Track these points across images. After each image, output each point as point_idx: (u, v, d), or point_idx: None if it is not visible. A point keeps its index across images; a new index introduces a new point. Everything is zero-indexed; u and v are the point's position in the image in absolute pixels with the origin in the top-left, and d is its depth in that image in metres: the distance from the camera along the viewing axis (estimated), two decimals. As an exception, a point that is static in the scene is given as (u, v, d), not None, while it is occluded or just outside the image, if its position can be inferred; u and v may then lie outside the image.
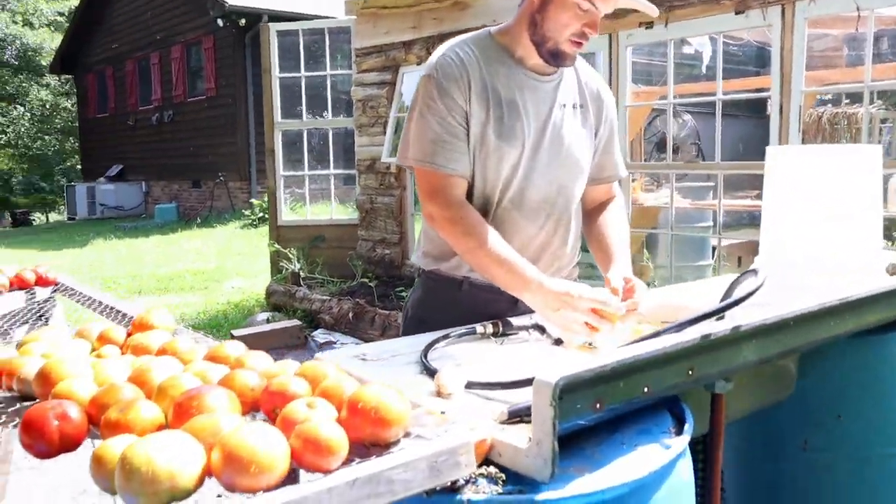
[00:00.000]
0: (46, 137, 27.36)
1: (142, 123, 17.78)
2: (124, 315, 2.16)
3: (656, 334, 1.31)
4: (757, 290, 1.36)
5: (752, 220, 6.00)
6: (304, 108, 6.98)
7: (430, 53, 6.03)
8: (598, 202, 2.03)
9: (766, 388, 1.71)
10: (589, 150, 1.92)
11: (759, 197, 7.91)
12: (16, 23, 24.91)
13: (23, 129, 26.66)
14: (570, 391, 1.11)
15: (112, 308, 2.43)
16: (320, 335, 5.66)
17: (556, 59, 1.76)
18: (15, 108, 26.64)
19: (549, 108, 1.83)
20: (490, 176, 1.80)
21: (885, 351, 1.90)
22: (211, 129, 15.32)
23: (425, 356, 1.54)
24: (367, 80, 6.37)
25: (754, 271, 1.48)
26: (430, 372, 1.45)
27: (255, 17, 13.25)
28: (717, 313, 1.36)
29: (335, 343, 5.51)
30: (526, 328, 1.80)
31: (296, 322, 5.65)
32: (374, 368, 1.54)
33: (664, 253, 5.39)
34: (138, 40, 17.66)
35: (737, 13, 4.12)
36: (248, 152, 14.45)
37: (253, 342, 5.44)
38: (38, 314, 2.84)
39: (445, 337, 1.67)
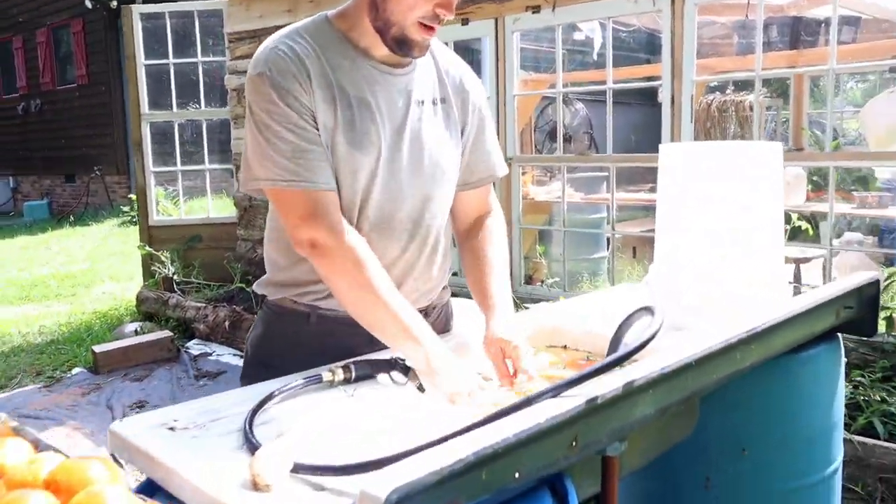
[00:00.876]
0: None
1: (7, 113, 16.43)
2: None
3: (526, 402, 1.02)
4: (653, 337, 1.09)
5: (646, 210, 5.92)
6: (174, 97, 6.44)
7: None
8: (472, 218, 1.71)
9: (666, 433, 1.47)
10: (455, 152, 1.61)
11: (653, 190, 7.90)
12: None
13: None
14: (410, 500, 0.82)
15: None
16: (194, 346, 5.21)
17: (403, 48, 1.44)
18: None
19: (404, 106, 1.51)
20: (344, 191, 1.47)
21: (790, 374, 1.70)
22: (84, 118, 14.30)
23: (250, 423, 1.21)
24: (242, 68, 5.89)
25: (648, 309, 1.22)
26: (253, 447, 1.13)
27: None
28: (608, 368, 1.08)
29: (211, 354, 5.08)
30: (385, 368, 1.49)
31: (167, 333, 5.17)
32: (184, 443, 1.20)
33: (557, 248, 5.21)
34: (-1, 23, 16.32)
35: (625, -2, 3.93)
36: (125, 144, 13.53)
37: (119, 357, 4.96)
38: None
39: (280, 391, 1.34)
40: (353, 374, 1.44)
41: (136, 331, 5.43)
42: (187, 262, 6.22)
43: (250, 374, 1.62)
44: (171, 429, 1.25)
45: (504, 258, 1.66)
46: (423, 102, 1.55)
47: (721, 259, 1.78)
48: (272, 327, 1.64)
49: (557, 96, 4.41)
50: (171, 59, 6.39)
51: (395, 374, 1.49)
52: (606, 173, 5.18)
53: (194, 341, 5.32)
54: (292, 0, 5.56)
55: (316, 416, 1.26)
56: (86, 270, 8.61)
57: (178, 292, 5.91)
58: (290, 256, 1.53)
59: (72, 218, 13.28)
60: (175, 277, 6.03)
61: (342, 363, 1.45)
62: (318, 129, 1.42)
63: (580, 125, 6.14)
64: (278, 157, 1.39)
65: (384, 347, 1.50)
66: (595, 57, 7.10)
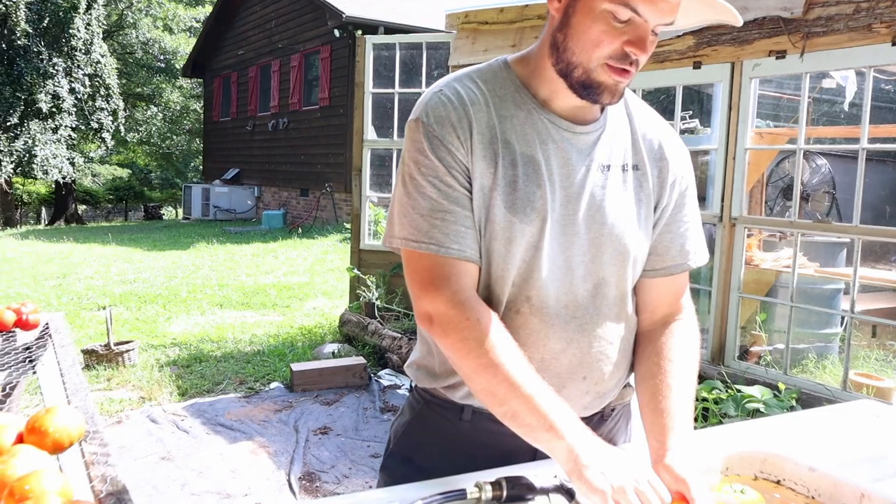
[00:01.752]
0: (175, 137, 28.64)
1: (259, 129, 18.09)
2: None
3: None
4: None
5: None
6: (395, 126, 6.59)
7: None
8: (657, 317, 1.38)
9: None
10: (644, 230, 1.32)
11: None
12: (157, 28, 26.13)
13: (154, 129, 27.98)
14: None
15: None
16: (386, 377, 5.22)
17: (590, 93, 1.20)
18: (149, 107, 27.98)
19: (584, 169, 1.26)
20: (496, 264, 1.25)
21: None
22: (322, 138, 15.33)
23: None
24: (462, 101, 5.90)
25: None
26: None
27: (372, 29, 13.12)
28: None
29: (400, 387, 5.05)
30: (545, 491, 1.24)
31: (360, 360, 5.22)
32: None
33: (781, 320, 4.62)
34: (262, 48, 18.01)
35: (894, 44, 3.38)
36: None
37: (314, 378, 5.08)
38: (22, 360, 2.49)
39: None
40: (504, 494, 1.20)
41: (333, 353, 5.55)
42: (391, 289, 6.30)
43: (390, 467, 1.43)
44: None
45: (691, 374, 1.32)
46: (609, 167, 1.29)
47: None
48: (420, 418, 1.43)
49: (798, 152, 3.89)
50: (397, 89, 6.55)
51: (556, 498, 1.23)
52: (848, 241, 4.53)
53: (386, 371, 5.33)
54: (518, 34, 5.47)
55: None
56: (303, 283, 9.08)
57: (379, 319, 5.98)
58: None
59: (300, 230, 14.22)
60: (378, 303, 6.12)
61: (493, 478, 1.22)
62: (469, 189, 1.22)
63: (821, 183, 5.45)
64: (415, 214, 1.22)
65: (549, 457, 1.25)
66: (846, 107, 6.33)
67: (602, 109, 1.31)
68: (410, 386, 1.49)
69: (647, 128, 1.35)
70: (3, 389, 2.48)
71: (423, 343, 1.42)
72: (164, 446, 4.04)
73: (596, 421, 1.41)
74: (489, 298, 1.27)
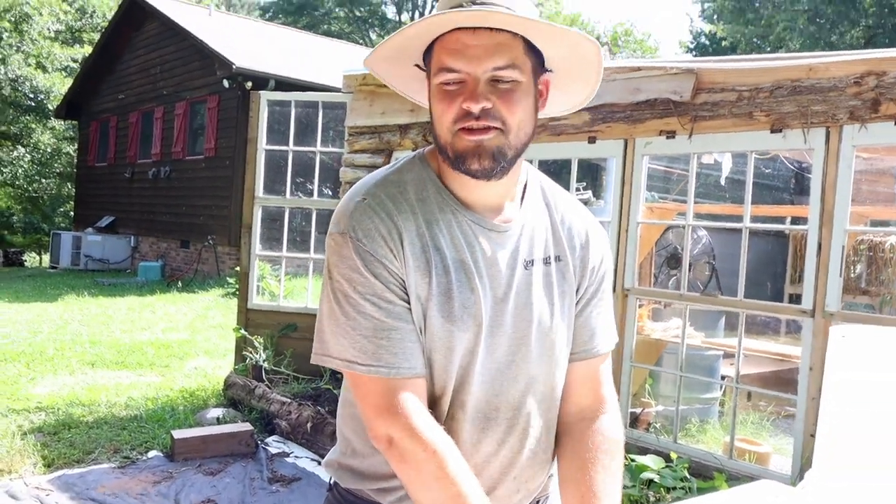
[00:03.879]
0: (44, 181, 27.10)
1: (139, 177, 17.39)
2: None
3: None
4: None
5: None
6: (288, 183, 6.48)
7: (426, 140, 5.55)
8: (580, 406, 1.35)
9: None
10: (567, 322, 1.31)
11: (779, 338, 7.29)
12: (29, 65, 24.87)
13: (21, 171, 26.40)
14: None
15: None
16: (274, 444, 4.99)
17: (459, 164, 1.18)
18: (16, 148, 26.42)
19: (509, 268, 1.25)
20: (437, 373, 1.21)
21: None
22: (206, 189, 14.89)
23: None
24: (358, 162, 5.87)
25: None
26: None
27: (262, 81, 12.99)
28: None
29: (289, 455, 4.84)
30: None
31: (247, 427, 4.99)
32: None
33: (666, 386, 4.78)
34: (145, 93, 17.44)
35: (773, 131, 3.62)
36: (240, 218, 13.95)
37: (196, 446, 4.78)
38: None
39: None
40: None
41: (217, 418, 5.28)
42: (280, 351, 6.10)
43: None
44: None
45: (617, 480, 1.30)
46: (532, 262, 1.27)
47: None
48: None
49: (687, 228, 4.08)
50: (291, 146, 6.46)
51: None
52: (725, 308, 4.76)
53: (274, 437, 5.11)
54: (417, 101, 5.53)
55: None
56: (184, 341, 8.67)
57: (267, 382, 5.76)
58: (370, 443, 1.24)
59: (180, 284, 13.66)
60: (265, 365, 5.90)
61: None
62: (407, 301, 1.19)
63: (702, 254, 5.75)
64: (356, 334, 1.18)
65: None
66: (722, 181, 6.74)
67: (522, 199, 1.30)
68: (330, 484, 1.41)
69: (567, 216, 1.35)
70: None
71: (345, 442, 1.35)
72: (28, 527, 3.68)
73: None
74: (431, 408, 1.22)
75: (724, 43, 24.76)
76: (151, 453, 4.77)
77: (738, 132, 3.76)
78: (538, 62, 1.20)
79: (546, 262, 1.29)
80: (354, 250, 1.18)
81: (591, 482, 1.25)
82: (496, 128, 1.15)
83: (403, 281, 1.19)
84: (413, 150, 5.54)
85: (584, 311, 1.35)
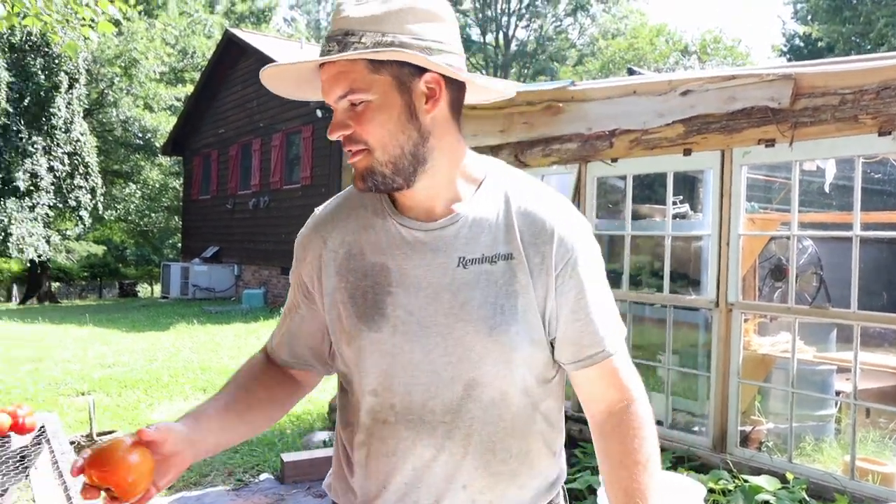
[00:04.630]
0: (153, 215, 28.55)
1: (240, 207, 18.11)
2: None
3: None
4: None
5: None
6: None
7: (518, 160, 5.56)
8: (600, 413, 1.31)
9: None
10: (525, 322, 1.24)
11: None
12: (137, 106, 26.35)
13: (132, 206, 27.91)
14: None
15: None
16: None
17: (363, 181, 1.25)
18: (128, 185, 27.98)
19: (440, 269, 1.24)
20: (354, 374, 1.29)
21: None
22: (303, 217, 15.04)
23: None
24: (451, 185, 5.94)
25: None
26: None
27: (354, 110, 13.31)
28: None
29: (393, 476, 4.91)
30: None
31: (352, 448, 5.09)
32: None
33: (776, 402, 4.60)
34: (242, 126, 18.19)
35: (881, 134, 3.47)
36: (336, 242, 14.34)
37: (305, 469, 4.92)
38: (15, 466, 2.39)
39: None
40: None
41: (324, 441, 5.41)
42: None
43: None
44: None
45: (645, 456, 1.25)
46: (471, 262, 1.24)
47: None
48: None
49: (792, 238, 3.95)
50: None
51: None
52: (838, 322, 4.54)
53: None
54: (506, 120, 5.56)
55: None
56: (287, 365, 8.93)
57: (368, 404, 5.87)
58: (353, 454, 1.34)
59: (282, 309, 14.09)
60: (367, 387, 6.01)
61: None
62: (304, 305, 1.38)
63: (808, 264, 5.53)
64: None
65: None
66: (826, 188, 6.46)
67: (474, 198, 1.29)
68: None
69: (528, 212, 1.26)
70: (26, 472, 2.37)
71: (335, 454, 1.43)
72: (152, 547, 3.87)
73: None
74: (356, 408, 1.31)
75: (819, 44, 23.82)
76: (262, 476, 4.94)
77: (842, 137, 3.62)
78: (410, 70, 1.19)
79: (492, 260, 1.24)
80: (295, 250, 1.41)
81: (629, 479, 1.23)
82: (361, 150, 1.20)
83: (305, 285, 1.37)
84: (505, 170, 5.57)
85: (577, 314, 1.27)
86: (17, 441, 2.38)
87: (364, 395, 1.28)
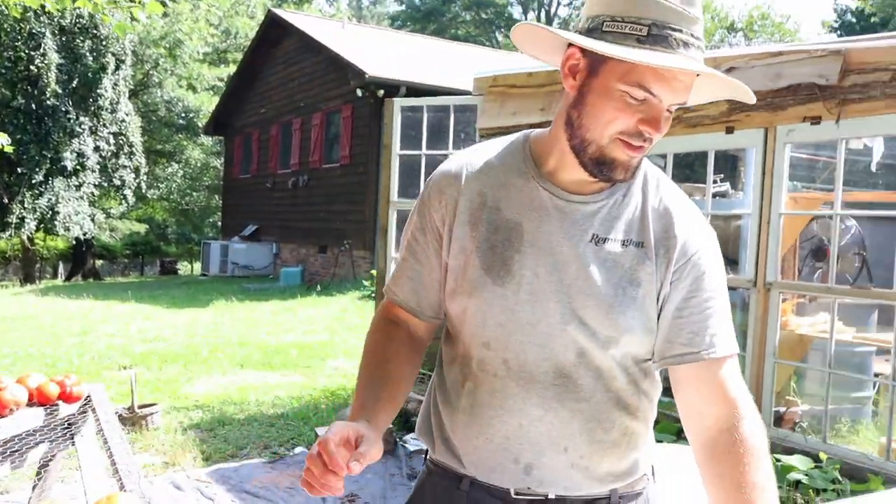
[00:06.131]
0: (195, 194, 28.98)
1: (279, 186, 18.28)
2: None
3: None
4: None
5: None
6: (421, 186, 6.61)
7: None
8: (708, 424, 1.25)
9: None
10: (640, 309, 1.26)
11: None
12: (181, 86, 26.70)
13: (174, 185, 28.35)
14: None
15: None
16: (412, 442, 5.12)
17: (602, 170, 1.21)
18: (171, 164, 28.42)
19: (573, 240, 1.26)
20: (471, 324, 1.29)
21: None
22: (342, 196, 15.45)
23: None
24: (488, 163, 5.92)
25: None
26: None
27: (394, 89, 13.32)
28: None
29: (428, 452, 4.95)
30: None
31: (386, 423, 5.14)
32: None
33: (813, 384, 4.53)
34: (283, 106, 18.32)
35: (931, 112, 3.37)
36: (374, 222, 14.38)
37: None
38: (62, 433, 2.46)
39: None
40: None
41: (358, 416, 5.47)
42: (415, 350, 6.23)
43: None
44: None
45: (764, 479, 1.20)
46: (604, 241, 1.26)
47: None
48: (421, 490, 1.44)
49: (835, 218, 3.86)
50: (424, 150, 6.60)
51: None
52: (879, 302, 4.45)
53: (411, 435, 5.23)
54: (546, 98, 5.51)
55: None
56: (324, 342, 9.04)
57: (403, 380, 5.91)
58: (458, 400, 1.35)
59: (319, 287, 14.23)
60: (402, 364, 6.05)
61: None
62: (436, 251, 1.34)
63: (851, 244, 5.40)
64: (397, 263, 1.42)
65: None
66: (873, 168, 6.30)
67: (612, 184, 1.29)
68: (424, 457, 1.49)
69: (662, 208, 1.30)
70: (42, 462, 2.44)
71: (424, 404, 1.45)
72: (190, 514, 3.96)
73: None
74: (466, 357, 1.31)
75: (873, 19, 23.12)
76: (298, 449, 5.01)
77: (891, 114, 3.52)
78: None
79: (624, 244, 1.27)
80: (423, 195, 1.37)
81: (736, 486, 1.18)
82: (646, 149, 1.21)
83: (439, 232, 1.33)
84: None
85: (683, 312, 1.27)
86: (65, 409, 2.44)
87: (476, 347, 1.29)
